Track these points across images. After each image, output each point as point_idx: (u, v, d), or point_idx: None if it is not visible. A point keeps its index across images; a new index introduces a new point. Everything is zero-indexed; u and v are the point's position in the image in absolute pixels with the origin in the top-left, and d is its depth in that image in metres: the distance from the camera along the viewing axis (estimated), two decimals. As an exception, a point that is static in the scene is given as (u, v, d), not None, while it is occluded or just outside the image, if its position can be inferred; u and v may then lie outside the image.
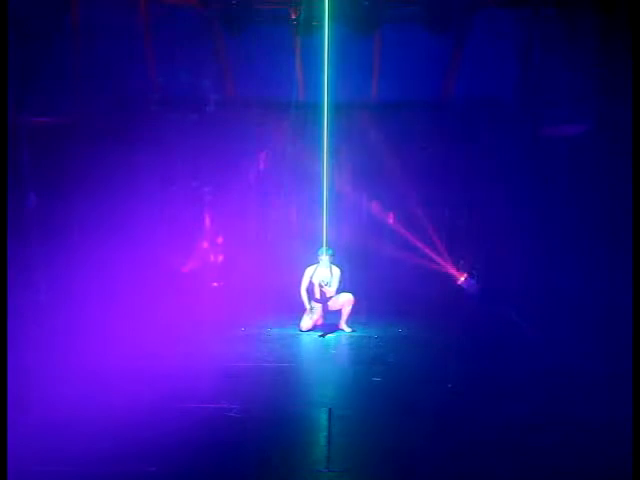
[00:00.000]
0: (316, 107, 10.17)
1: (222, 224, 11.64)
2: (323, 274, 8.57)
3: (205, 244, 11.69)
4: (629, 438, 4.29)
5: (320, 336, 8.28)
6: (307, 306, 8.56)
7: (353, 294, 8.62)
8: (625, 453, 4.30)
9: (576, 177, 9.47)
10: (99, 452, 4.48)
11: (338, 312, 8.62)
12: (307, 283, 8.60)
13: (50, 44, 8.83)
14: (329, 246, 9.00)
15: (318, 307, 8.56)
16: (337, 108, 10.26)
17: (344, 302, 8.58)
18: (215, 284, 11.48)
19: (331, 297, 8.58)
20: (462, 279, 11.12)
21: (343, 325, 8.57)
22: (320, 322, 8.61)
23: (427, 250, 11.32)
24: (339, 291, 8.63)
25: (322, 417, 5.34)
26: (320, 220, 10.04)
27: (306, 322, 8.52)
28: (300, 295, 8.62)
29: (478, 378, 6.47)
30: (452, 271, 11.25)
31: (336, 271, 8.65)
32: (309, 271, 8.62)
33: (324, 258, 8.60)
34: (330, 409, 5.44)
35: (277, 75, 10.74)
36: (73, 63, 9.49)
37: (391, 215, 11.65)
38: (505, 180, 10.62)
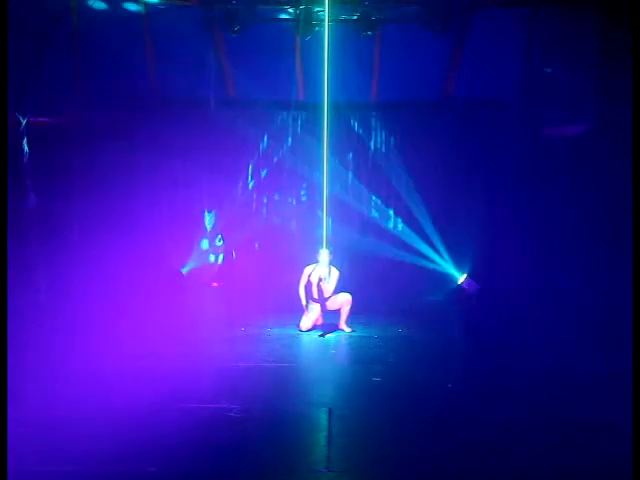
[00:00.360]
0: (316, 107, 10.17)
1: (222, 224, 11.64)
2: (322, 273, 8.57)
3: (205, 244, 11.69)
4: (629, 438, 4.29)
5: (320, 336, 8.28)
6: (304, 303, 8.57)
7: (352, 294, 8.61)
8: (625, 453, 4.30)
9: (576, 177, 9.47)
10: (99, 452, 4.47)
11: (338, 312, 8.62)
12: (305, 281, 8.60)
13: (50, 44, 8.84)
14: (328, 246, 8.99)
15: (316, 307, 8.56)
16: (337, 108, 10.26)
17: (342, 302, 8.57)
18: (215, 284, 11.48)
19: (329, 297, 8.57)
20: (462, 279, 11.12)
21: (343, 325, 8.57)
22: (320, 322, 8.61)
23: (427, 250, 11.33)
24: (337, 291, 8.62)
25: (322, 417, 5.33)
26: (320, 220, 10.04)
27: (306, 322, 8.52)
28: (298, 293, 8.63)
29: (478, 378, 6.47)
30: (452, 271, 11.26)
31: (334, 272, 8.65)
32: (308, 270, 8.62)
33: (323, 257, 8.60)
34: (330, 409, 5.44)
35: (277, 75, 10.74)
36: (73, 63, 9.50)
37: (391, 215, 11.65)
38: (505, 180, 10.62)
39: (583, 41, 9.45)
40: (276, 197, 11.76)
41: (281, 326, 8.71)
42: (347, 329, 8.53)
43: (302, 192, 11.72)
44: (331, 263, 8.65)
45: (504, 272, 10.18)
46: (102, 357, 6.71)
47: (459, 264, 11.21)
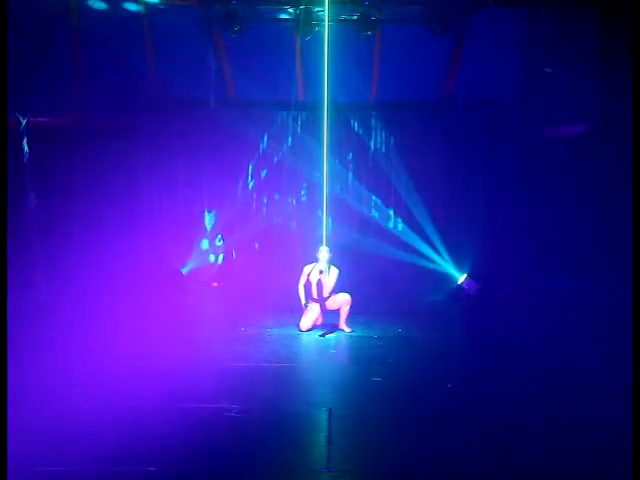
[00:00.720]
0: (316, 107, 10.17)
1: (222, 224, 11.65)
2: (321, 266, 8.53)
3: (205, 244, 11.69)
4: (629, 438, 4.29)
5: (320, 336, 8.27)
6: (303, 302, 8.56)
7: (351, 294, 8.60)
8: (625, 453, 4.30)
9: (576, 177, 9.49)
10: (99, 452, 4.47)
11: (337, 312, 8.60)
12: (305, 280, 8.59)
13: (50, 44, 8.85)
14: (328, 245, 8.98)
15: (316, 306, 8.56)
16: (337, 108, 10.26)
17: (342, 302, 8.56)
18: (215, 284, 11.49)
19: (329, 296, 8.56)
20: (462, 279, 11.12)
21: (343, 325, 8.57)
22: (319, 322, 8.61)
23: (427, 250, 11.33)
24: (336, 291, 8.61)
25: (322, 417, 5.33)
26: (320, 220, 10.04)
27: (305, 322, 8.51)
28: (297, 292, 8.63)
29: (478, 378, 6.47)
30: (452, 271, 11.26)
31: (334, 269, 8.64)
32: (307, 269, 8.61)
33: (323, 254, 8.57)
34: (330, 409, 5.44)
35: (277, 75, 10.75)
36: (73, 64, 9.51)
37: (391, 215, 11.66)
38: (505, 180, 10.63)
39: (583, 41, 9.46)
40: (276, 197, 11.76)
41: (281, 326, 8.70)
42: (347, 329, 8.53)
43: (302, 192, 11.72)
44: (330, 262, 8.63)
45: (504, 272, 10.18)
46: (102, 357, 6.71)
47: (459, 264, 11.21)
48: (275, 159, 11.63)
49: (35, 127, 8.48)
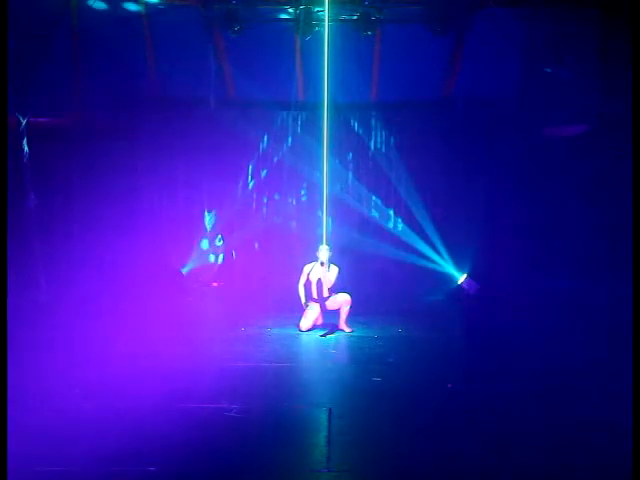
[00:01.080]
0: (316, 107, 10.18)
1: (222, 224, 11.65)
2: (322, 258, 8.52)
3: (205, 244, 11.70)
4: (629, 437, 4.29)
5: (320, 336, 8.27)
6: (303, 301, 8.56)
7: (351, 294, 8.60)
8: (625, 452, 4.30)
9: (576, 177, 9.49)
10: (99, 452, 4.47)
11: (337, 312, 8.60)
12: (305, 280, 8.59)
13: (50, 44, 8.85)
14: (328, 245, 8.98)
15: (316, 306, 8.55)
16: (337, 108, 10.27)
17: (342, 302, 8.56)
18: (215, 284, 11.49)
19: (329, 296, 8.56)
20: (462, 279, 11.13)
21: (343, 325, 8.56)
22: (319, 322, 8.61)
23: (427, 249, 11.33)
24: (336, 290, 8.60)
25: (322, 417, 5.33)
26: (320, 220, 10.04)
27: (305, 322, 8.51)
28: (297, 292, 8.63)
29: (478, 378, 6.47)
30: (452, 271, 11.26)
31: (334, 268, 8.63)
32: (307, 268, 8.61)
33: (323, 252, 8.56)
34: (330, 409, 5.44)
35: (277, 75, 10.76)
36: (73, 63, 9.51)
37: (391, 215, 11.66)
38: (505, 180, 10.63)
39: (583, 41, 9.47)
40: (276, 197, 11.77)
41: (281, 326, 8.70)
42: (347, 329, 8.53)
43: (302, 192, 11.73)
44: (330, 261, 8.62)
45: (504, 272, 10.18)
46: (102, 357, 6.71)
47: (459, 264, 11.21)
48: (275, 159, 11.65)
49: (35, 127, 8.48)
